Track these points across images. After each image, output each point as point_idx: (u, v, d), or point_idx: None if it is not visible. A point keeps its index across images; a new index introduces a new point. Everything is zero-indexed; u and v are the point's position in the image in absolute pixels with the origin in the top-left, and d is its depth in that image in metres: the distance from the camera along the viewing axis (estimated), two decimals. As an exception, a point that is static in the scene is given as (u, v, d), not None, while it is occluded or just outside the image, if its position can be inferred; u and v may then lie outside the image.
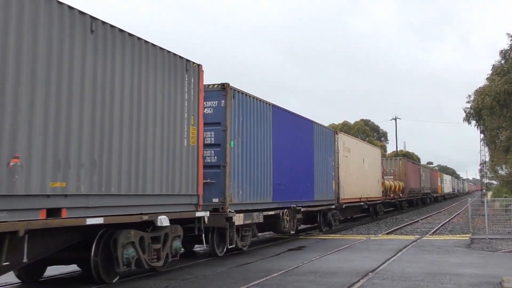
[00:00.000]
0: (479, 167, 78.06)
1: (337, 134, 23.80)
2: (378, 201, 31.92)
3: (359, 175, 27.04)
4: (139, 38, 9.83)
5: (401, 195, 39.94)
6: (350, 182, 25.13)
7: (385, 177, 38.07)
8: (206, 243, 12.87)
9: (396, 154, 70.16)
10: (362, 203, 27.90)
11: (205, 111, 12.70)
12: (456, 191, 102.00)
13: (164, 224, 10.30)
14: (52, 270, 10.81)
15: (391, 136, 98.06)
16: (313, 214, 20.74)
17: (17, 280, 10.15)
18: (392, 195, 37.08)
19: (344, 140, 24.88)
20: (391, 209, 39.64)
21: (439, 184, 69.32)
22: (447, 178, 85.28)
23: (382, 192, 33.34)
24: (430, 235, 20.88)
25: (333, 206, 22.38)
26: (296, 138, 18.45)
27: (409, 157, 65.57)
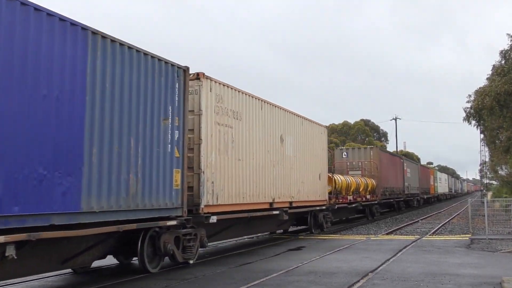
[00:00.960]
0: (479, 167, 78.05)
1: (199, 79, 12.73)
2: (318, 207, 21.02)
3: (269, 163, 16.00)
4: None
5: (369, 197, 29.55)
6: (238, 174, 14.03)
7: (350, 172, 30.51)
8: None
9: (396, 154, 67.36)
10: (277, 212, 16.56)
11: None
12: (453, 191, 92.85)
13: None
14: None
15: (391, 137, 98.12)
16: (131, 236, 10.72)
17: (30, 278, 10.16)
18: (352, 198, 26.49)
19: (221, 94, 13.54)
20: (358, 215, 30.90)
21: (432, 183, 59.81)
22: (442, 176, 75.61)
23: (331, 192, 23.22)
24: (430, 235, 20.86)
25: (174, 222, 11.28)
26: None
27: (409, 157, 64.41)
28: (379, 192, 31.64)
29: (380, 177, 32.06)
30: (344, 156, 32.48)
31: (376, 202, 31.29)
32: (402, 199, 40.07)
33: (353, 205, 27.22)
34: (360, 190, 28.42)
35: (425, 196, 52.81)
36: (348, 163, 32.06)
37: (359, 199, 27.85)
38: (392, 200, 36.61)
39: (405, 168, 41.78)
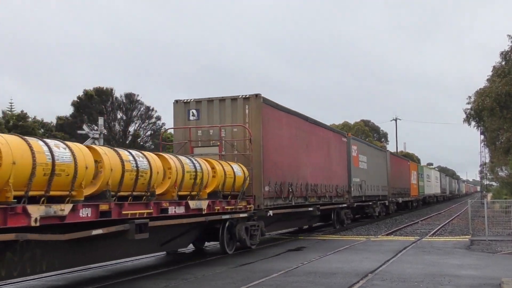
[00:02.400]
0: (479, 169, 78.02)
1: None
2: None
3: None
4: None
5: (202, 205, 12.62)
6: None
7: (201, 149, 15.78)
8: None
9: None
10: None
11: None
12: (448, 192, 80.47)
13: None
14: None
15: (391, 137, 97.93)
16: None
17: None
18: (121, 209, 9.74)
19: None
20: (209, 245, 16.45)
21: (414, 182, 46.25)
22: (431, 173, 61.18)
23: None
24: (430, 236, 20.86)
25: None
26: None
27: (409, 158, 63.18)
28: (260, 194, 15.40)
29: (261, 161, 15.50)
30: (192, 118, 16.31)
31: (245, 215, 14.88)
32: (345, 205, 24.02)
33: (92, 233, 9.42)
34: (165, 189, 11.66)
35: (401, 200, 38.53)
36: (199, 133, 16.15)
37: (143, 210, 10.63)
38: (312, 209, 19.39)
39: (353, 154, 25.91)
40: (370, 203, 29.47)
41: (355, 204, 26.10)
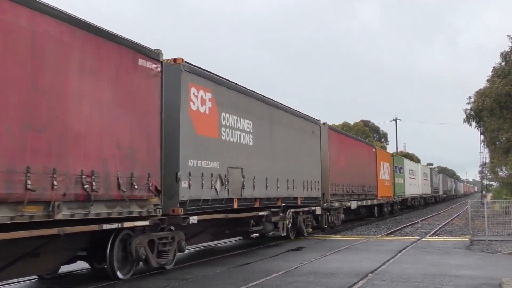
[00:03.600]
0: (479, 169, 78.00)
1: None
2: None
3: None
4: None
5: None
6: None
7: None
8: None
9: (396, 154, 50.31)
10: None
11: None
12: (442, 192, 70.10)
13: None
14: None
15: (391, 137, 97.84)
16: None
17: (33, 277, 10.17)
18: None
19: None
20: None
21: (384, 178, 33.04)
22: (416, 169, 48.32)
23: None
24: (430, 236, 20.86)
25: None
26: None
27: (409, 158, 62.56)
28: None
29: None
30: None
31: None
32: (145, 222, 10.14)
33: None
34: None
35: (355, 204, 25.72)
36: None
37: None
38: None
39: (192, 105, 11.53)
40: (265, 213, 15.75)
41: (196, 219, 11.79)
